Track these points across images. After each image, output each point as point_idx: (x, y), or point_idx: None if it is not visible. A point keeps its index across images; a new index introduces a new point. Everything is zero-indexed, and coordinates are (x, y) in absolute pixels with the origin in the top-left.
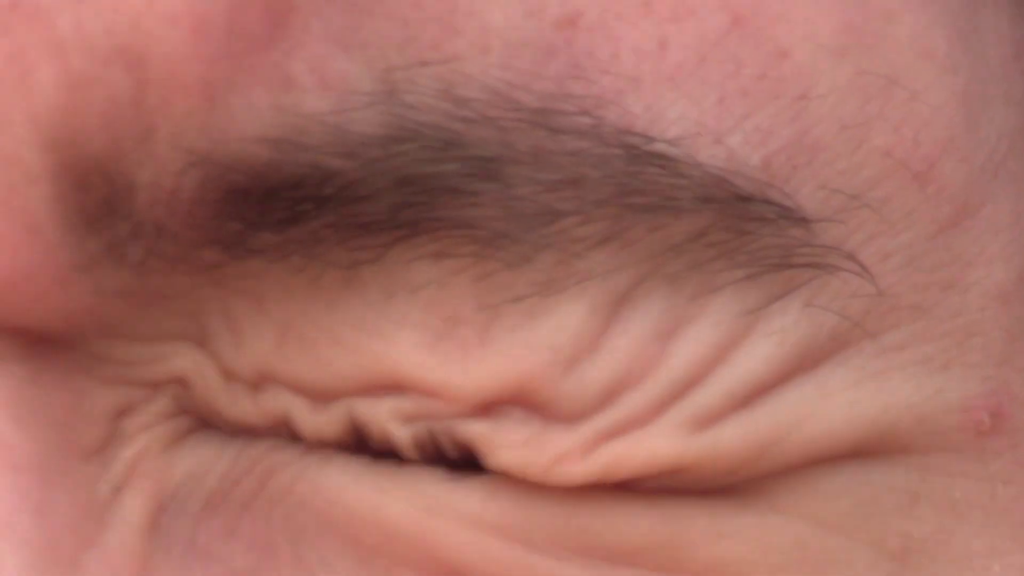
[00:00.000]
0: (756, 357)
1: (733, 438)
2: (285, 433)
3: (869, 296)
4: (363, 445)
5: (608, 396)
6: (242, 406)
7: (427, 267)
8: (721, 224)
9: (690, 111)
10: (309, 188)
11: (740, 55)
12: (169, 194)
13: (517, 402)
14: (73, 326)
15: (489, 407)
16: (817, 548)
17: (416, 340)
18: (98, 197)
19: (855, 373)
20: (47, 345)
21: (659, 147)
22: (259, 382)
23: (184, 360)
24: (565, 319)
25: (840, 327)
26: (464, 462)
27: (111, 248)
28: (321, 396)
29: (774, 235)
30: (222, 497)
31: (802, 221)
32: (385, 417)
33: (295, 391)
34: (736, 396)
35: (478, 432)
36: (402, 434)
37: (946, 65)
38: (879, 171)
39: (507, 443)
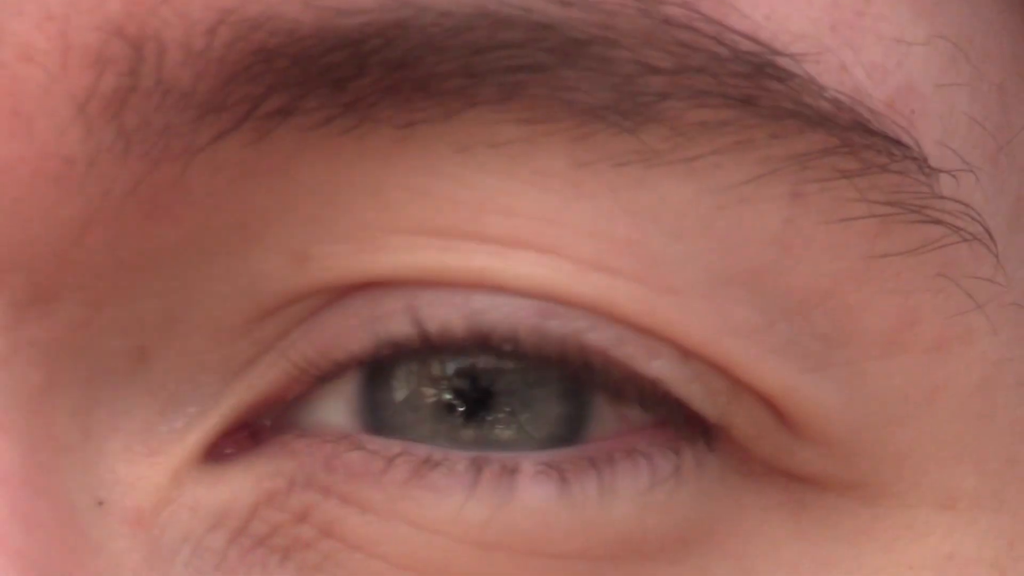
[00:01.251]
0: (875, 313)
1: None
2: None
3: (989, 280)
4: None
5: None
6: (244, 347)
7: (513, 128)
8: (848, 150)
9: (809, 30)
10: (361, 52)
11: None
12: (198, 54)
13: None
14: (67, 263)
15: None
16: None
17: (498, 187)
18: (121, 69)
19: None
20: (34, 308)
21: (784, 61)
22: (275, 308)
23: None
24: (670, 193)
25: (962, 310)
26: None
27: (122, 134)
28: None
29: (904, 176)
30: (257, 526)
31: (930, 170)
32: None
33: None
34: (828, 339)
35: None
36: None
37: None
38: (971, 139)
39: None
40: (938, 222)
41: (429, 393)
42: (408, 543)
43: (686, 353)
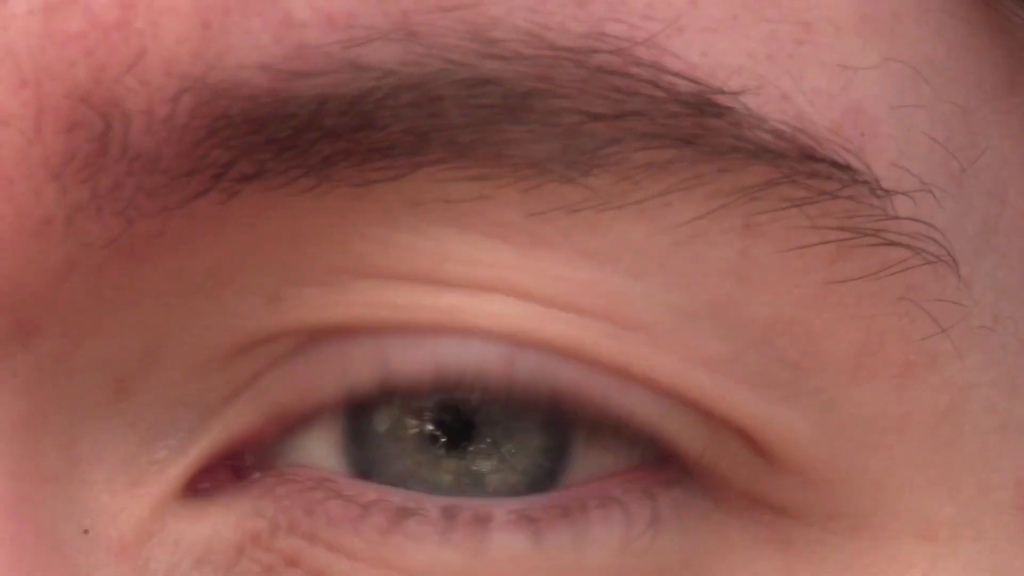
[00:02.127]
0: (839, 339)
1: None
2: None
3: (953, 302)
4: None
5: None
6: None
7: (464, 185)
8: (794, 180)
9: (746, 62)
10: (317, 116)
11: (770, 18)
12: (162, 122)
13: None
14: (48, 302)
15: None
16: None
17: (456, 238)
18: (90, 134)
19: None
20: (15, 342)
21: (721, 97)
22: (250, 346)
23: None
24: (625, 235)
25: (927, 334)
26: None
27: (97, 196)
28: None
29: (855, 202)
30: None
31: (884, 192)
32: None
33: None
34: (796, 367)
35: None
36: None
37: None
38: (931, 160)
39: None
40: (897, 244)
41: (411, 424)
42: None
43: (658, 389)
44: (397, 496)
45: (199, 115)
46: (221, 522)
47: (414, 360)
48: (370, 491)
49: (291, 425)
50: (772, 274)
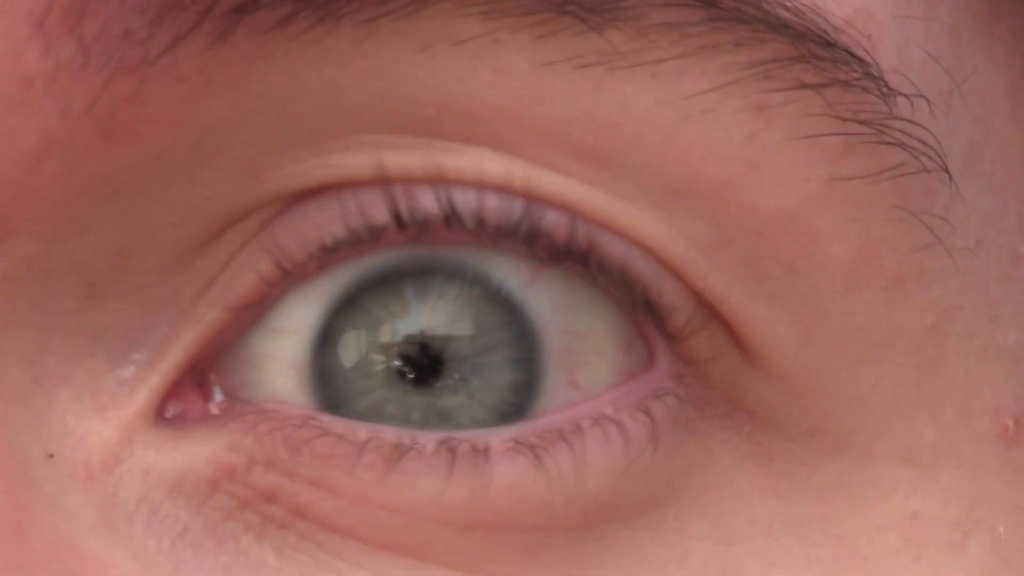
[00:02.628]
0: (837, 241)
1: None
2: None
3: (942, 218)
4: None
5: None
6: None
7: (476, 23)
8: (810, 61)
9: None
10: None
11: None
12: None
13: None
14: (22, 195)
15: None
16: None
17: (457, 88)
18: None
19: None
20: None
21: None
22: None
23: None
24: (632, 100)
25: (918, 246)
26: None
27: (82, 47)
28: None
29: (865, 93)
30: (225, 492)
31: (888, 90)
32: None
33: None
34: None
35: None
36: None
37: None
38: (924, 73)
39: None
40: (899, 144)
41: (379, 360)
42: (386, 527)
43: (645, 248)
44: (390, 433)
45: None
46: (195, 454)
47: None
48: (361, 429)
49: (261, 313)
50: (779, 163)
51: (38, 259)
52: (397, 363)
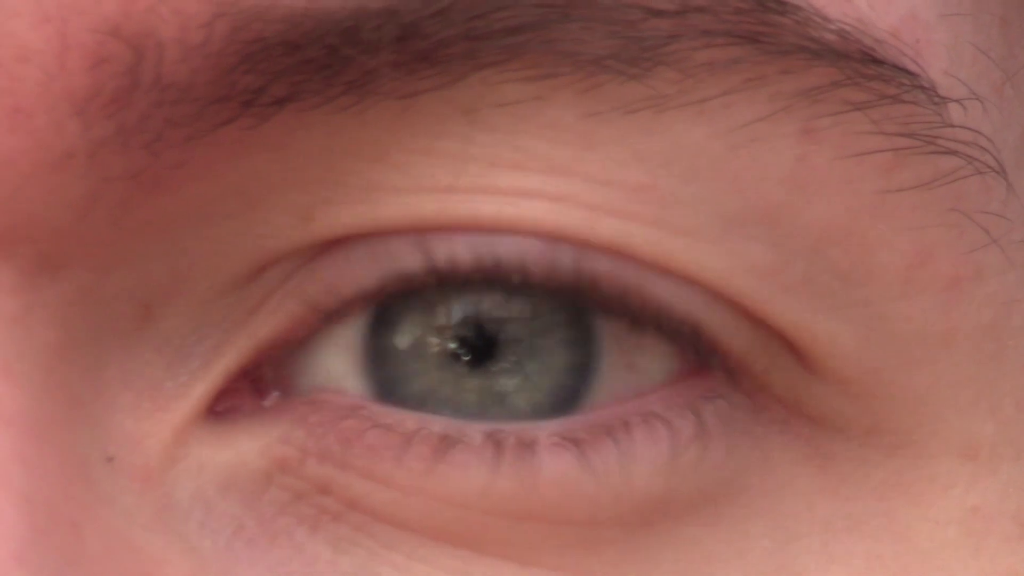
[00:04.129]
0: (891, 250)
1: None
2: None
3: (998, 215)
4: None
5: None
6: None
7: (519, 86)
8: (856, 82)
9: None
10: (354, 30)
11: None
12: (196, 49)
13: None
14: (72, 236)
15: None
16: None
17: (506, 143)
18: (119, 68)
19: None
20: (43, 275)
21: None
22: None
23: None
24: (682, 137)
25: (974, 246)
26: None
27: (123, 130)
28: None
29: (915, 106)
30: (278, 489)
31: (940, 99)
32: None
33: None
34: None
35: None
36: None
37: None
38: (975, 69)
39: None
40: (951, 152)
41: (433, 343)
42: (439, 517)
43: (700, 286)
44: (437, 424)
45: (234, 40)
46: (247, 448)
47: (453, 247)
48: (408, 419)
49: (320, 324)
50: (829, 181)
51: (93, 288)
52: (452, 345)
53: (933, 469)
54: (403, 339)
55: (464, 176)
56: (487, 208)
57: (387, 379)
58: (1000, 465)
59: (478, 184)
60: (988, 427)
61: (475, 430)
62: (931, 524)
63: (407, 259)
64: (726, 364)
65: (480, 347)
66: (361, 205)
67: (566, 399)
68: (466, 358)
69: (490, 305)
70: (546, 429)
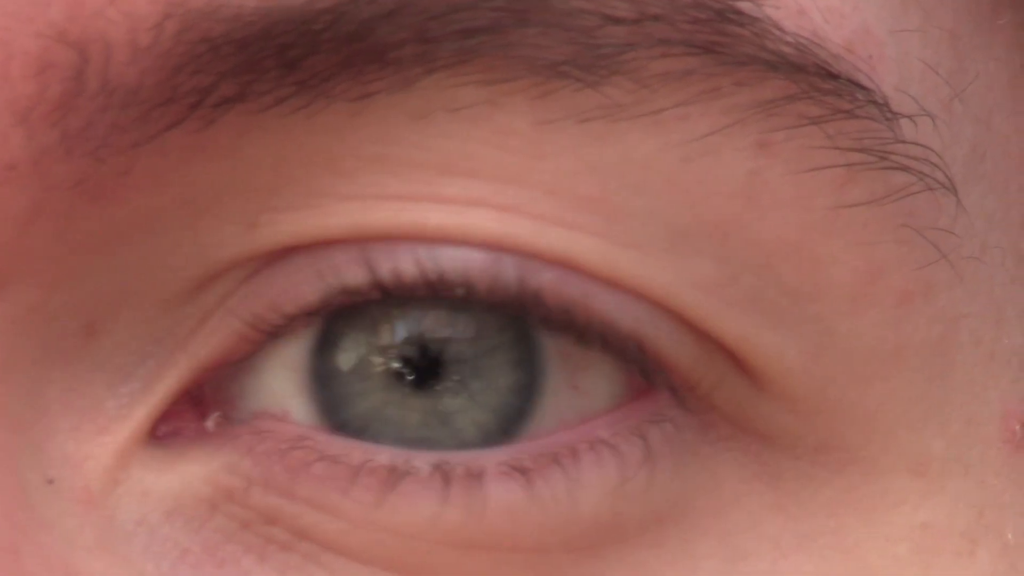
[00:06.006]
0: (842, 266)
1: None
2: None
3: (948, 231)
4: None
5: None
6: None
7: (472, 90)
8: (812, 96)
9: None
10: (307, 30)
11: None
12: (145, 50)
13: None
14: (15, 251)
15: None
16: None
17: (457, 150)
18: (64, 74)
19: None
20: None
21: (744, 6)
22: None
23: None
24: (635, 148)
25: (924, 262)
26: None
27: (67, 137)
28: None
29: (868, 121)
30: (223, 513)
31: (892, 114)
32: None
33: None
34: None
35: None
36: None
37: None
38: (924, 85)
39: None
40: (903, 168)
41: (377, 362)
42: (389, 547)
43: (646, 300)
44: (384, 455)
45: (182, 40)
46: (191, 474)
47: (397, 261)
48: (355, 449)
49: (260, 344)
50: (782, 196)
51: (38, 305)
52: (396, 365)
53: (883, 485)
54: (347, 359)
55: (413, 184)
56: (434, 218)
57: (331, 400)
58: (949, 481)
59: (426, 192)
60: (937, 443)
61: (423, 461)
62: (881, 541)
63: (350, 273)
64: (672, 382)
65: (424, 368)
66: (307, 212)
67: (511, 419)
68: (410, 377)
69: (434, 322)
70: (493, 458)
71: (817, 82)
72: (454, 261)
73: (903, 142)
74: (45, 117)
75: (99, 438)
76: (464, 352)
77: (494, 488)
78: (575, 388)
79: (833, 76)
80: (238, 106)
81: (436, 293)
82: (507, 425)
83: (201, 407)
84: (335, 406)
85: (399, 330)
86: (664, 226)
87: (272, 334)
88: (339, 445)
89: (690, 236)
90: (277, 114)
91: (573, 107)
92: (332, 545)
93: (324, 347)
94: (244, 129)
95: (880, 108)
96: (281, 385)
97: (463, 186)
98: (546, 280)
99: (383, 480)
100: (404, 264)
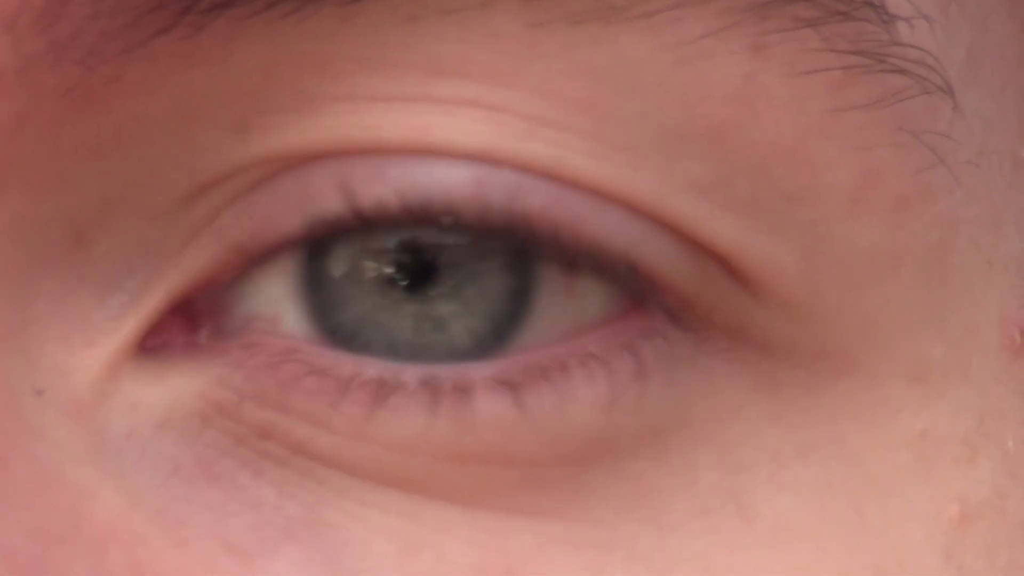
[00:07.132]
0: (838, 169)
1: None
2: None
3: (945, 135)
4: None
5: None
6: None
7: None
8: None
9: None
10: None
11: None
12: None
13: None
14: (3, 159)
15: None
16: None
17: (449, 51)
18: None
19: None
20: None
21: None
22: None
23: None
24: (628, 50)
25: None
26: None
27: (55, 45)
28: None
29: (865, 23)
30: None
31: (888, 16)
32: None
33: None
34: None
35: None
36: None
37: None
38: None
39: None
40: (900, 71)
41: (370, 267)
42: (383, 463)
43: (636, 210)
44: (372, 368)
45: None
46: (181, 388)
47: (379, 190)
48: (345, 363)
49: (248, 266)
50: (777, 99)
51: (26, 213)
52: (389, 270)
53: (882, 392)
54: (340, 264)
55: (404, 85)
56: (421, 119)
57: (323, 305)
58: (948, 388)
59: (417, 93)
60: (936, 350)
61: (411, 375)
62: (881, 449)
63: (330, 204)
64: (667, 303)
65: (418, 272)
66: (297, 115)
67: (504, 326)
68: (403, 283)
69: (428, 232)
70: (482, 372)
71: None
72: (440, 187)
73: (900, 44)
74: (32, 25)
75: (88, 350)
76: (458, 257)
77: (483, 402)
78: (569, 293)
79: None
80: (228, 12)
81: (420, 223)
82: (500, 331)
83: (193, 320)
84: (327, 311)
85: (390, 239)
86: (656, 128)
87: (255, 260)
88: (329, 358)
89: (683, 138)
90: (267, 19)
91: (565, 9)
92: (327, 460)
93: (318, 252)
94: (234, 35)
95: (876, 10)
96: (274, 290)
97: (454, 87)
98: (534, 205)
99: (372, 394)
100: (386, 194)
